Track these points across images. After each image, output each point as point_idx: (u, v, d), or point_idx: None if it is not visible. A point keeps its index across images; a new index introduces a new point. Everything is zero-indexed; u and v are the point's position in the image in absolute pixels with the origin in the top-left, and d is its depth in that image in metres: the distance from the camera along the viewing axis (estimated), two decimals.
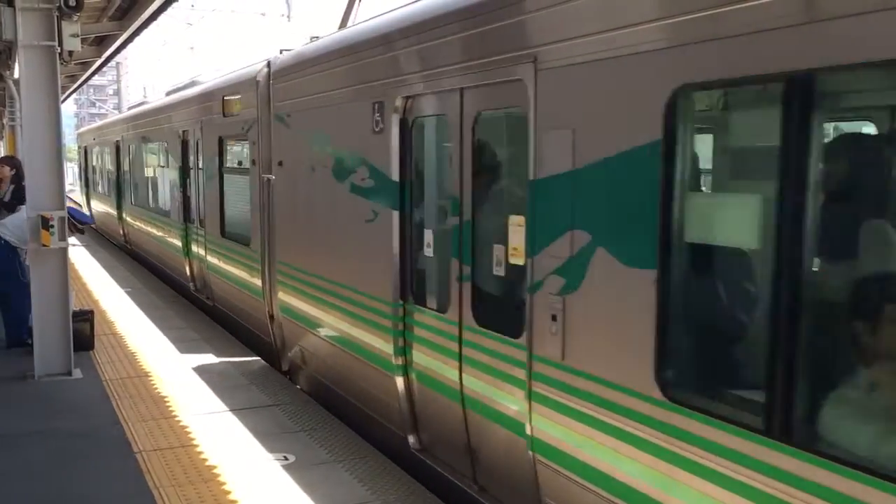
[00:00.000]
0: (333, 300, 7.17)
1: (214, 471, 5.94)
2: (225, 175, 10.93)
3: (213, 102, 11.00)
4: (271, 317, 9.05)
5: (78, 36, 8.25)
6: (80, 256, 18.12)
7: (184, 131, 12.87)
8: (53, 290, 8.24)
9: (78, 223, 9.61)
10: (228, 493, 5.55)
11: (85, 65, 18.59)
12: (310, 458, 6.28)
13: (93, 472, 5.94)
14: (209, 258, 11.67)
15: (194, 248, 12.67)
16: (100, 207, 24.32)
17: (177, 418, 7.10)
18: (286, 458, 6.24)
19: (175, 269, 14.26)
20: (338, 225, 7.03)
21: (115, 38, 14.52)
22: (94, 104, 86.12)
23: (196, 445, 6.44)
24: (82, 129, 34.35)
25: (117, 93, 55.91)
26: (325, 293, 7.33)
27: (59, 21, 8.04)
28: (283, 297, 8.53)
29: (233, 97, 10.16)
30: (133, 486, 5.65)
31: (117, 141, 20.16)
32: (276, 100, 8.46)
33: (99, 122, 30.79)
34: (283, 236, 8.51)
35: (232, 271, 10.57)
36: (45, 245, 8.01)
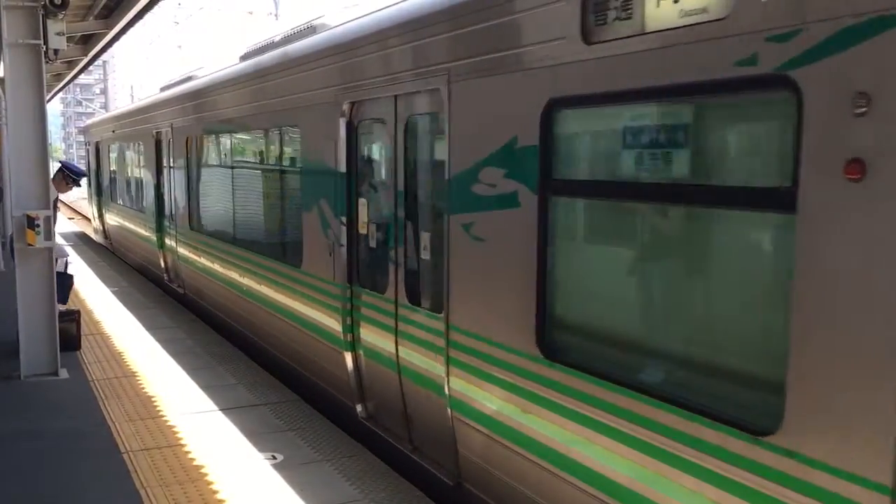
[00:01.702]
0: None
1: (202, 470, 5.92)
2: (564, 205, 4.45)
3: (525, 17, 4.53)
4: None
5: (63, 34, 8.21)
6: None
7: (352, 104, 6.79)
8: (39, 290, 8.21)
9: (73, 175, 9.85)
10: (216, 492, 5.54)
11: (71, 63, 18.50)
12: (298, 457, 6.27)
13: (79, 472, 5.91)
14: (459, 392, 5.30)
15: (374, 338, 6.62)
16: (121, 224, 18.27)
17: (164, 418, 7.08)
18: (274, 458, 6.24)
19: (320, 371, 7.78)
20: None
21: (102, 36, 14.47)
22: (80, 103, 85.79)
23: (183, 445, 6.42)
24: (92, 120, 25.78)
25: (104, 91, 55.69)
26: None
27: (45, 19, 8.01)
28: None
29: None
30: (120, 487, 5.63)
31: (157, 132, 14.14)
32: None
33: (122, 109, 21.58)
34: None
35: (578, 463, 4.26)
36: (30, 244, 7.99)
